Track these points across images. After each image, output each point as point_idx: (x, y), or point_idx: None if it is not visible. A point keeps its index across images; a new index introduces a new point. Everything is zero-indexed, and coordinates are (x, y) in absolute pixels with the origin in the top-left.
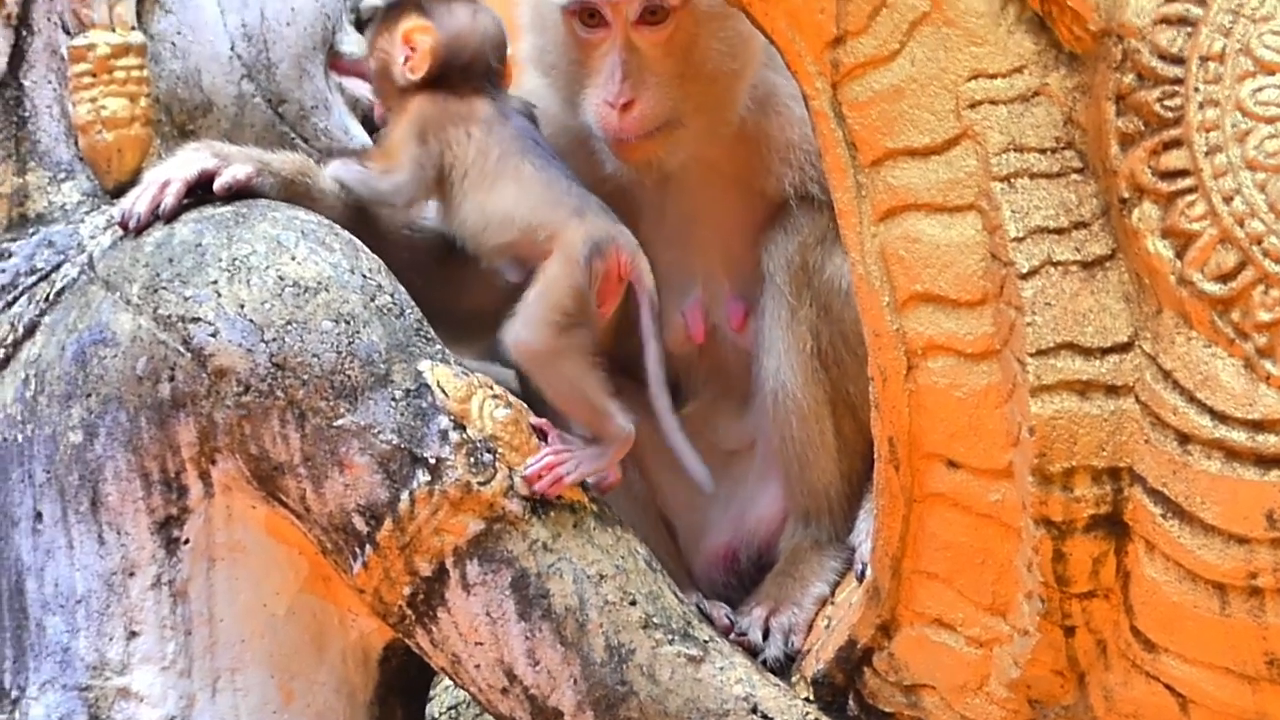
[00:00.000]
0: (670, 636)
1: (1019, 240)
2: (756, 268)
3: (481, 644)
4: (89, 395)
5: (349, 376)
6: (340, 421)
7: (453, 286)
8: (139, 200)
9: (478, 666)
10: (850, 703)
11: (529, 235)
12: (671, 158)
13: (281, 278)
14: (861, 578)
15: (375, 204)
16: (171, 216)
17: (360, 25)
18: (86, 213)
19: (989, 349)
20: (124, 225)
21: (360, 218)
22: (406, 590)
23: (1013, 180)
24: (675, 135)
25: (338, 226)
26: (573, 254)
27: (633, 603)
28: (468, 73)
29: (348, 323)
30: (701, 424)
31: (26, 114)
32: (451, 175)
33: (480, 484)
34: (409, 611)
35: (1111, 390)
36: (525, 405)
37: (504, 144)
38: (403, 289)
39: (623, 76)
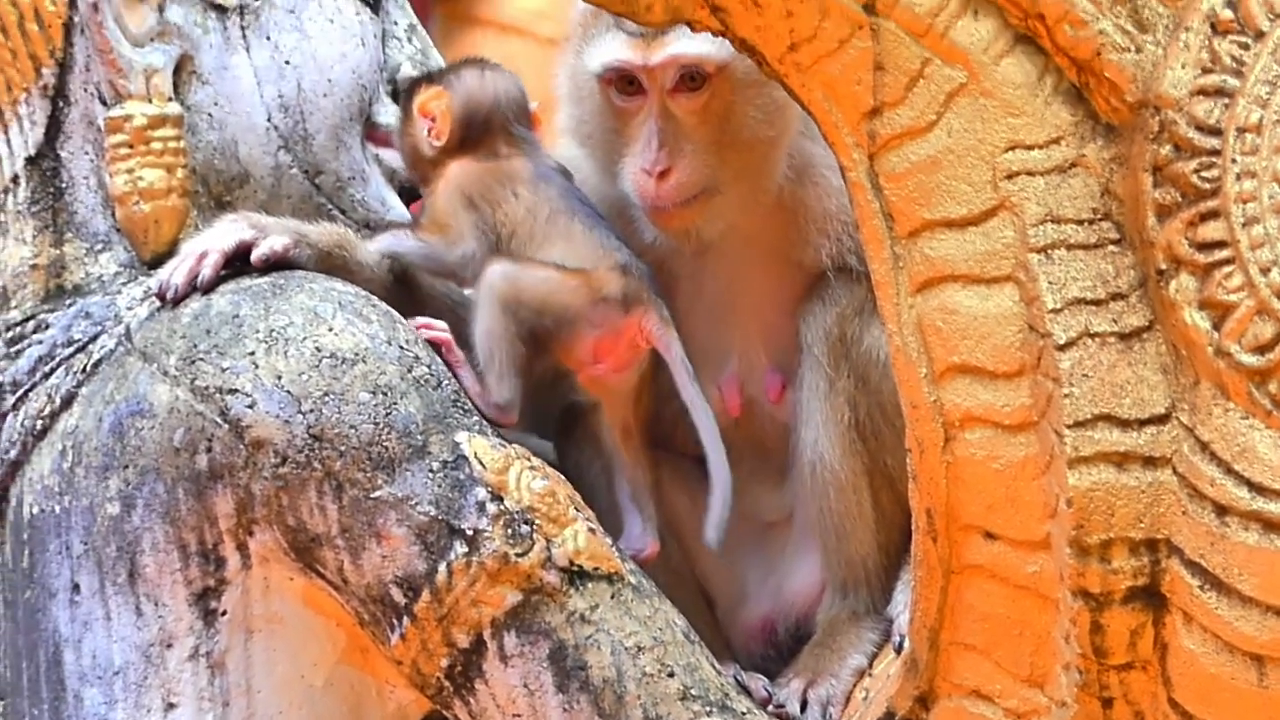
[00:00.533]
0: (708, 708)
1: (1056, 312)
2: (794, 339)
3: (519, 716)
4: (126, 467)
5: (386, 448)
6: (378, 493)
7: None
8: (176, 271)
9: None
10: None
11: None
12: (709, 226)
13: (319, 349)
14: (899, 649)
15: (440, 275)
16: (209, 288)
17: (396, 96)
18: (124, 284)
19: (1026, 421)
20: (161, 296)
21: (397, 289)
22: (444, 662)
23: (1050, 252)
24: (713, 203)
25: (375, 298)
26: (598, 289)
27: (670, 674)
28: (491, 131)
29: (385, 394)
30: (739, 495)
31: (64, 185)
32: (502, 236)
33: (518, 555)
34: (447, 683)
35: (1149, 462)
36: (562, 477)
37: (553, 202)
38: (439, 360)
39: (660, 144)
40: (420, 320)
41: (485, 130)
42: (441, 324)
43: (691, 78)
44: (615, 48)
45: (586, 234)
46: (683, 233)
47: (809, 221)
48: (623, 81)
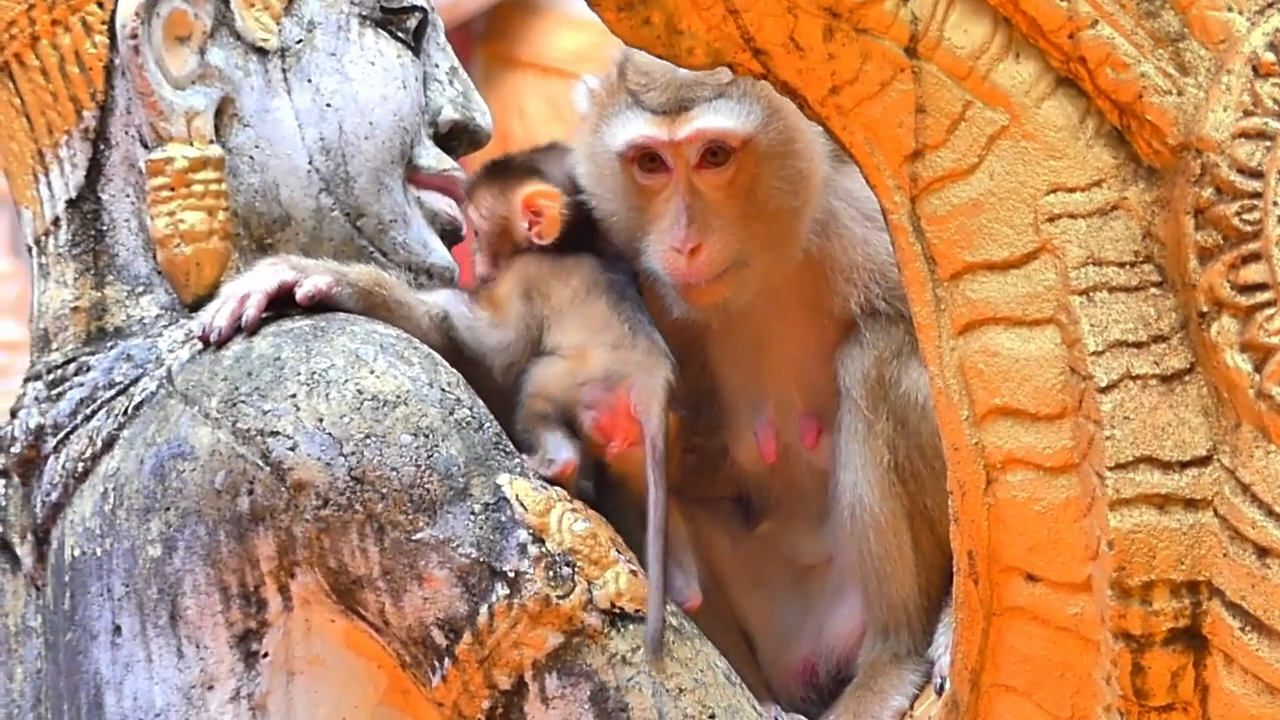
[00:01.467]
0: None
1: (1098, 354)
2: (827, 385)
3: None
4: (168, 509)
5: (428, 490)
6: (419, 535)
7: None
8: (219, 314)
9: None
10: None
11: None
12: (739, 297)
13: (360, 391)
14: (940, 691)
15: (473, 352)
16: (253, 329)
17: (439, 139)
18: (165, 326)
19: (1068, 463)
20: (205, 339)
21: (442, 331)
22: (485, 704)
23: (1091, 294)
24: (742, 275)
25: (416, 340)
26: (576, 372)
27: (712, 716)
28: (587, 230)
29: (426, 436)
30: (778, 541)
31: (104, 228)
32: (544, 328)
33: (559, 597)
34: None
35: (1190, 504)
36: (603, 519)
37: (591, 288)
38: (481, 403)
39: (688, 221)
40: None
41: (579, 231)
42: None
43: (715, 153)
44: (638, 125)
45: (605, 311)
46: (712, 306)
47: (836, 273)
48: (646, 159)
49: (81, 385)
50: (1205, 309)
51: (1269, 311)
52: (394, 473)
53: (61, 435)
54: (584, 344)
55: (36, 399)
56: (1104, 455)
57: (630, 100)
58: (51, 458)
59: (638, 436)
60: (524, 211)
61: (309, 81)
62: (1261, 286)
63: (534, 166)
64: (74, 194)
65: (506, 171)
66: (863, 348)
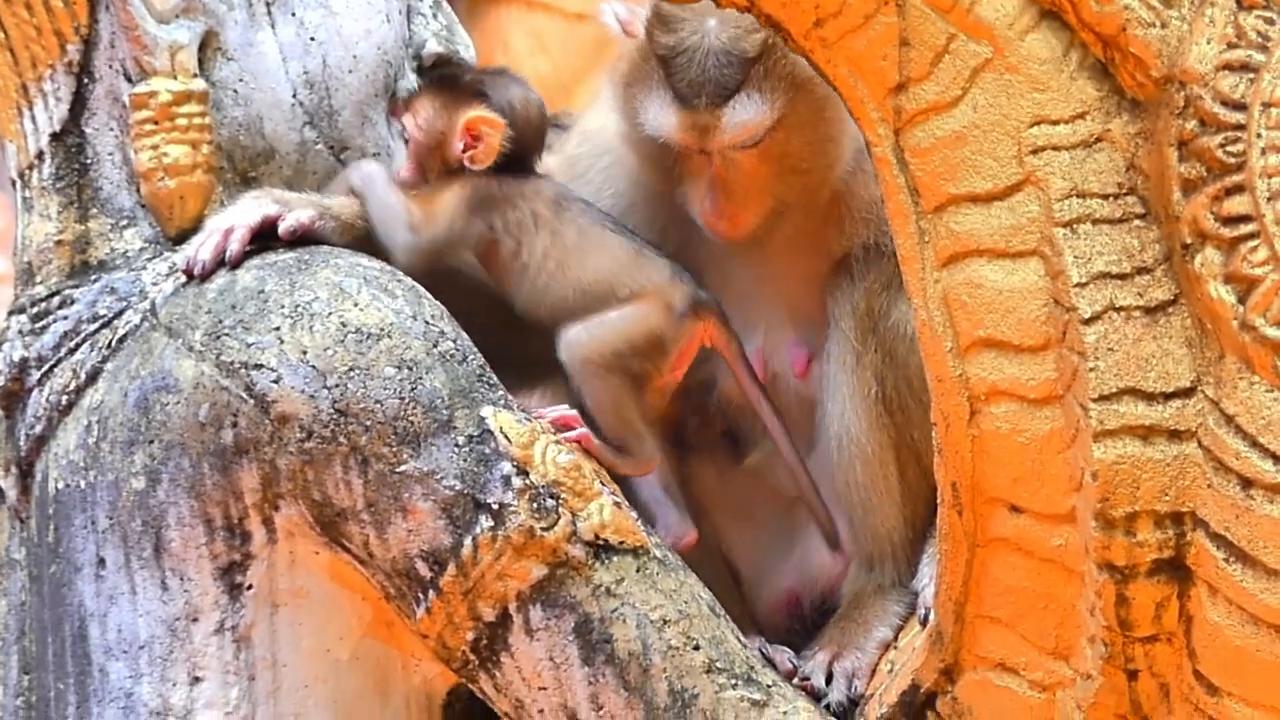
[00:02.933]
0: (734, 681)
1: (1081, 286)
2: (819, 314)
3: (545, 689)
4: (152, 442)
5: (412, 423)
6: (403, 467)
7: (517, 332)
8: (203, 247)
9: (541, 711)
10: None
11: (628, 298)
12: (771, 234)
13: (344, 324)
14: (925, 622)
15: (381, 237)
16: (237, 263)
17: (421, 71)
18: (149, 259)
19: (1051, 394)
20: (189, 272)
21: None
22: (470, 635)
23: (1075, 226)
24: (773, 220)
25: (400, 273)
26: (669, 304)
27: (696, 647)
28: (521, 157)
29: (410, 369)
30: (765, 471)
31: (88, 161)
32: (514, 258)
33: (543, 529)
34: (472, 656)
35: (1174, 435)
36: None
37: (578, 220)
38: (465, 335)
39: (722, 195)
40: (554, 413)
41: (513, 159)
42: (574, 413)
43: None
44: (670, 123)
45: (625, 244)
46: (744, 241)
47: (855, 209)
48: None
49: (65, 318)
50: (1189, 241)
51: (1252, 243)
52: (378, 405)
53: (45, 368)
54: (640, 279)
55: (20, 332)
56: (1088, 387)
57: (661, 79)
58: (35, 390)
59: (687, 365)
60: (463, 134)
61: (293, 15)
62: (1245, 218)
63: (481, 90)
64: (58, 128)
65: (453, 88)
66: (853, 280)
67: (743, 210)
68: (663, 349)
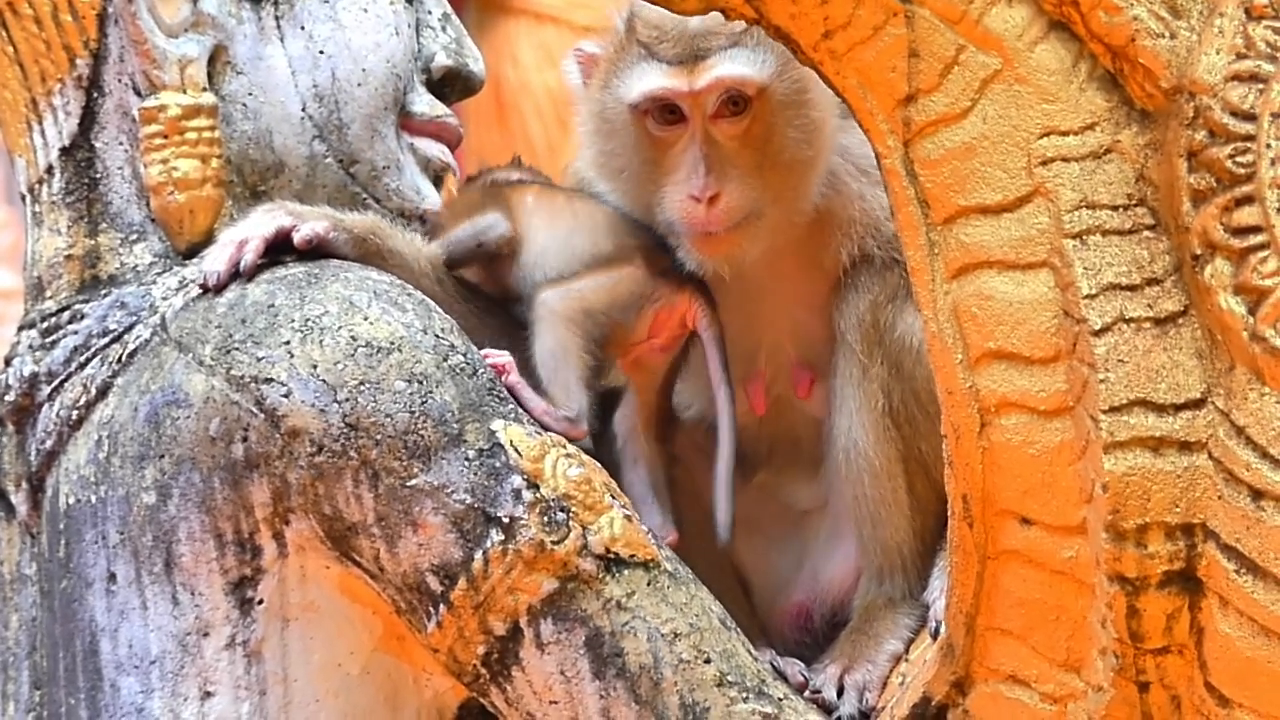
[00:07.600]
0: (745, 694)
1: (1091, 297)
2: (820, 334)
3: (556, 703)
4: (162, 456)
5: (422, 436)
6: (414, 481)
7: (527, 345)
8: (217, 259)
9: None
10: None
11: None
12: (753, 250)
13: (354, 338)
14: (936, 634)
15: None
16: (252, 274)
17: (431, 86)
18: (159, 274)
19: (1062, 406)
20: (204, 285)
21: (436, 277)
22: (481, 649)
23: (1085, 237)
24: (756, 227)
25: (410, 286)
26: (653, 265)
27: (707, 661)
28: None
29: (420, 383)
30: (773, 489)
31: (98, 175)
32: (512, 240)
33: (554, 543)
34: (483, 670)
35: (1185, 447)
36: (598, 464)
37: (566, 191)
38: (475, 349)
39: (706, 170)
40: (494, 358)
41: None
42: (502, 353)
43: (734, 102)
44: (654, 77)
45: (614, 213)
46: (728, 258)
47: (835, 228)
48: (662, 111)
49: (75, 333)
50: (1199, 252)
51: (1263, 254)
52: (388, 419)
53: (56, 383)
54: (625, 238)
55: (30, 347)
56: (1098, 398)
57: (643, 53)
58: (46, 405)
59: (672, 342)
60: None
61: (302, 28)
62: (1255, 229)
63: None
64: (67, 142)
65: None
66: (858, 292)
67: (726, 191)
68: (636, 306)
